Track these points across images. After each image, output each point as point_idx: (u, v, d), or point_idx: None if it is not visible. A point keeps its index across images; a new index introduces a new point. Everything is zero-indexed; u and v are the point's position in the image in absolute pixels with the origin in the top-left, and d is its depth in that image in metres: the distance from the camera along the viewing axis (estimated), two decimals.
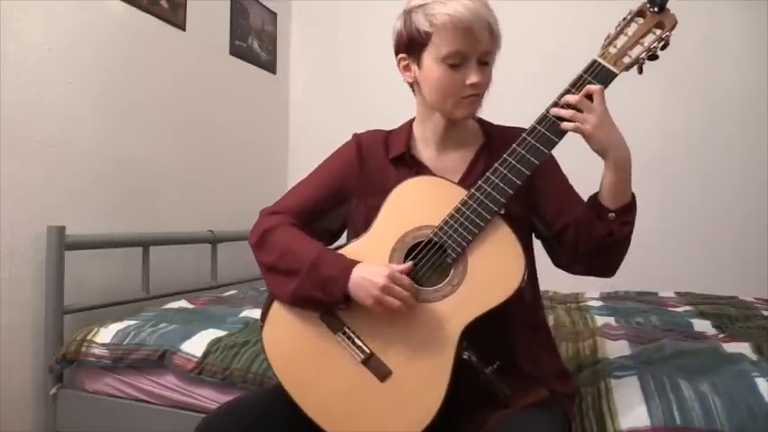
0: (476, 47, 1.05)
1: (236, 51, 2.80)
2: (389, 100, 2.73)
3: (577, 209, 1.08)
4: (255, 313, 1.85)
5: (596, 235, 1.02)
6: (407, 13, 1.10)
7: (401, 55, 1.14)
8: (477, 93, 1.09)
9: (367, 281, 0.99)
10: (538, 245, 1.18)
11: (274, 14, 3.11)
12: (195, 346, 1.58)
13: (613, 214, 1.01)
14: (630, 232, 1.03)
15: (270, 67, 3.08)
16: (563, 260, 1.14)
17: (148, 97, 2.28)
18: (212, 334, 1.64)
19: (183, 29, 2.44)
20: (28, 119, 1.81)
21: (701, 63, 2.52)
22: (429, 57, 1.08)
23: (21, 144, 1.79)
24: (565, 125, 0.99)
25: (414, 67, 1.12)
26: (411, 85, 1.18)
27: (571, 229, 1.07)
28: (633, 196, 1.03)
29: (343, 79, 3.14)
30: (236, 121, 2.81)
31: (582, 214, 1.05)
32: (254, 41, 2.95)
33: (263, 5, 3.02)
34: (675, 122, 2.65)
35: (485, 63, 1.08)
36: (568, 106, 0.99)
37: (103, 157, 2.08)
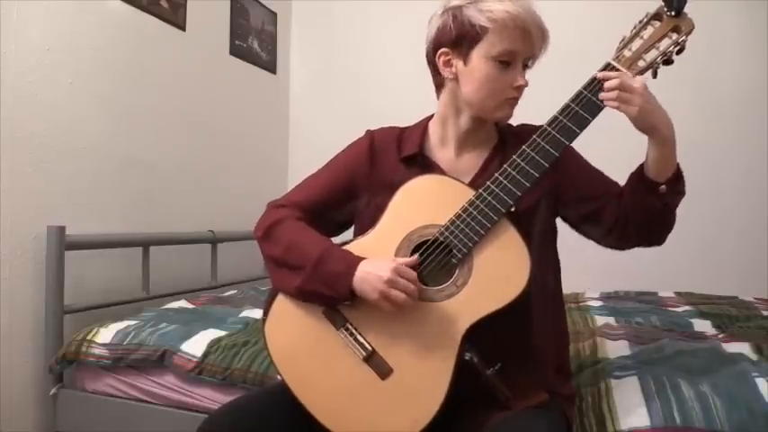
0: (529, 48, 1.05)
1: (236, 51, 2.79)
2: (390, 99, 2.75)
3: (613, 186, 1.09)
4: (255, 313, 1.85)
5: (651, 209, 1.02)
6: (457, 9, 1.06)
7: (443, 49, 1.09)
8: (519, 95, 1.08)
9: (372, 275, 0.98)
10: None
11: (274, 14, 3.11)
12: (195, 346, 1.58)
13: (664, 186, 1.01)
14: (681, 200, 1.04)
15: (270, 66, 3.08)
16: (610, 239, 1.11)
17: (148, 97, 2.28)
18: (212, 334, 1.64)
19: (183, 29, 2.44)
20: (28, 119, 1.81)
21: (702, 62, 2.51)
22: (479, 53, 1.05)
23: (21, 144, 1.79)
24: (610, 102, 0.97)
25: (457, 62, 1.08)
26: (440, 83, 1.14)
27: (611, 206, 1.06)
28: (678, 166, 1.03)
29: (343, 79, 3.14)
30: (236, 121, 2.81)
31: (630, 191, 1.04)
32: (254, 41, 2.94)
33: (263, 5, 3.01)
34: (676, 121, 2.60)
35: (526, 66, 1.09)
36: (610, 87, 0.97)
37: (104, 157, 2.08)
